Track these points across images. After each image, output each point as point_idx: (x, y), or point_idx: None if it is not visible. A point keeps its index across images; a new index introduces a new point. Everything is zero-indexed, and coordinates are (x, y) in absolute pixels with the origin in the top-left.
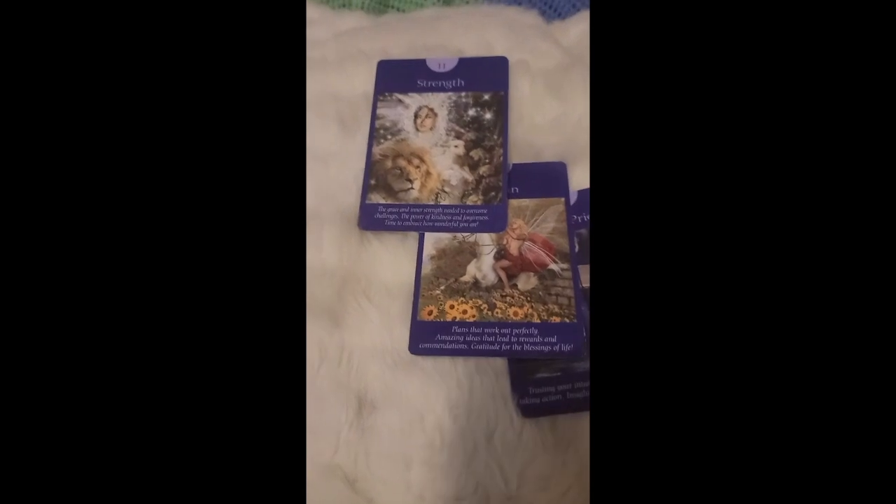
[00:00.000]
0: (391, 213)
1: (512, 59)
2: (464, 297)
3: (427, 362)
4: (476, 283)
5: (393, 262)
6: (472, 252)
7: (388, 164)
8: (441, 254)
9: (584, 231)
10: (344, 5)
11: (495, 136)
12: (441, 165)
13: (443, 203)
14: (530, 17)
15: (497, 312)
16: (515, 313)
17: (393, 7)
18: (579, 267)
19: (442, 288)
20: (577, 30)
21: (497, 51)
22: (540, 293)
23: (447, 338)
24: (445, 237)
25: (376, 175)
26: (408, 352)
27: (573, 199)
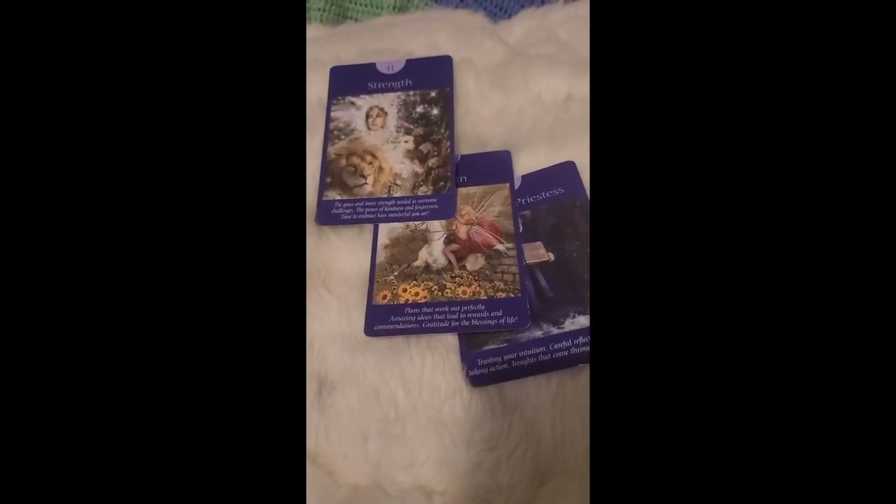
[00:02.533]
0: (347, 207)
1: (457, 58)
2: (416, 280)
3: (382, 343)
4: (427, 267)
5: (350, 253)
6: (424, 238)
7: (343, 162)
8: (394, 242)
9: (528, 213)
10: None
11: (442, 130)
12: (392, 160)
13: (395, 195)
14: (477, 19)
15: (447, 292)
16: (464, 292)
17: (350, 17)
18: (523, 245)
19: (395, 273)
20: (522, 27)
21: (444, 51)
22: (487, 272)
23: (400, 319)
24: (398, 226)
25: (332, 173)
26: (364, 335)
27: (517, 183)
